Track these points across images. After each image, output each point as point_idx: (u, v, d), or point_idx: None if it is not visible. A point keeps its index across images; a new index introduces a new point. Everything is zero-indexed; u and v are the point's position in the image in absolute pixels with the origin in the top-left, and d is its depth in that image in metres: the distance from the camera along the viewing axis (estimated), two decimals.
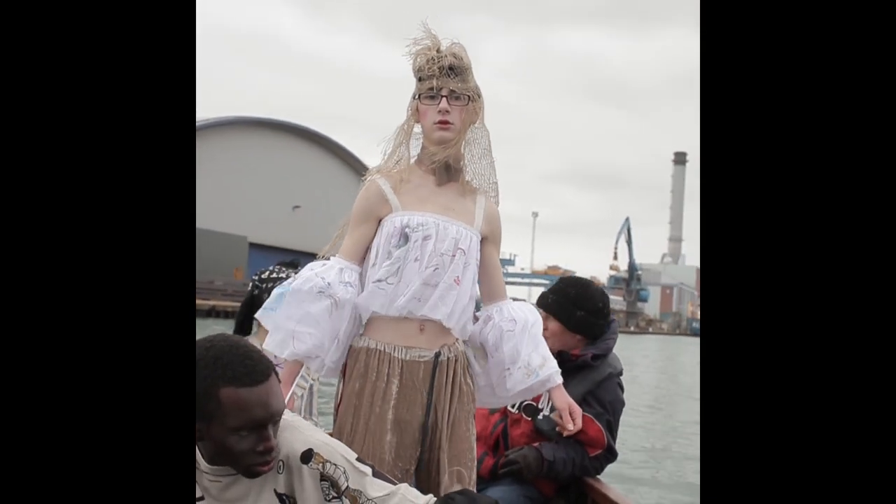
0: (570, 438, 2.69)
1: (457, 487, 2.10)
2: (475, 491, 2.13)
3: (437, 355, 2.15)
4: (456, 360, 2.19)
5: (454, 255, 2.13)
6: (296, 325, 2.11)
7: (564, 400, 2.31)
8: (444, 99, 2.12)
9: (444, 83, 2.13)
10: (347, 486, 1.66)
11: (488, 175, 2.29)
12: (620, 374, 2.95)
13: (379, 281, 2.13)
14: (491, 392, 2.34)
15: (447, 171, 2.20)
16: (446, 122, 2.13)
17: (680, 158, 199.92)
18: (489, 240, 2.28)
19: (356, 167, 61.08)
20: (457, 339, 2.22)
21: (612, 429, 2.86)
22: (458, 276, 2.13)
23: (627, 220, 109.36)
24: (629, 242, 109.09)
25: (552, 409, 2.62)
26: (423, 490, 2.10)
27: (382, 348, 2.14)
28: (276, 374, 1.64)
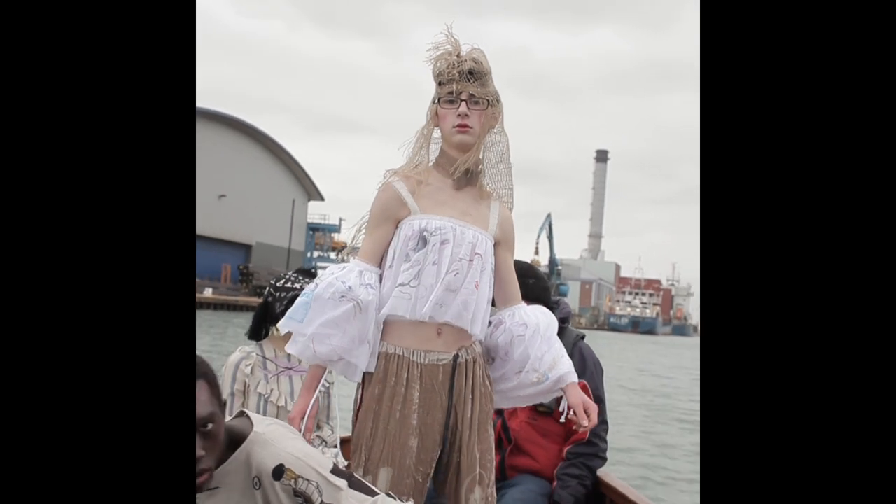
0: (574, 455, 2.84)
1: (477, 490, 2.14)
2: (494, 492, 2.19)
3: (456, 358, 2.16)
4: (474, 362, 2.20)
5: (472, 260, 2.14)
6: (317, 329, 2.11)
7: (578, 396, 2.26)
8: (463, 103, 2.15)
9: (464, 87, 2.15)
10: (322, 502, 1.64)
11: (504, 180, 2.32)
12: (584, 337, 3.09)
13: (402, 285, 2.13)
14: (500, 394, 2.34)
15: (466, 176, 2.21)
16: (465, 126, 2.15)
17: (601, 156, 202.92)
18: (502, 245, 2.29)
19: (281, 156, 60.27)
20: (474, 342, 2.23)
21: (595, 379, 2.95)
22: (477, 281, 2.14)
23: (549, 216, 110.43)
24: (550, 238, 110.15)
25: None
26: (445, 493, 2.15)
27: (401, 353, 2.15)
28: (210, 381, 1.62)
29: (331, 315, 2.10)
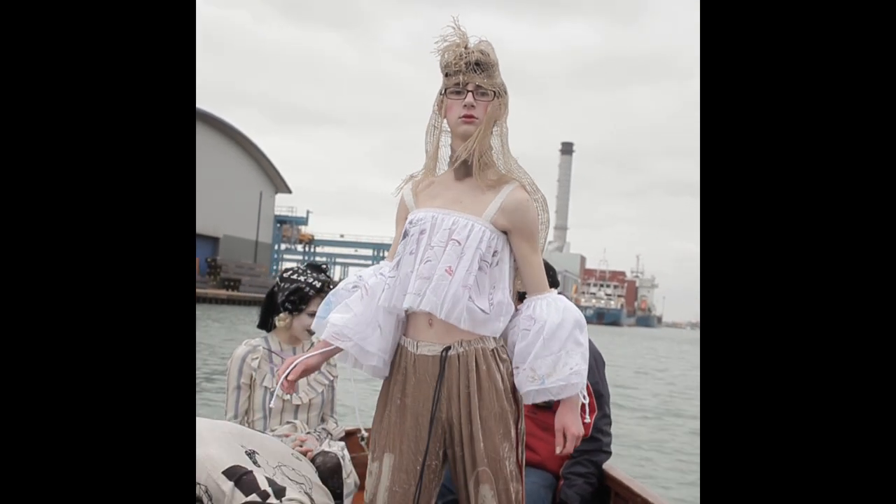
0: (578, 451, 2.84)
1: (484, 487, 2.12)
2: (513, 487, 2.15)
3: (447, 349, 2.16)
4: (474, 357, 2.16)
5: (446, 246, 2.13)
6: (333, 315, 2.24)
7: (562, 421, 2.20)
8: (469, 94, 2.15)
9: (471, 79, 2.15)
10: None
11: (520, 173, 2.28)
12: None
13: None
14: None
15: (464, 166, 2.21)
16: (471, 117, 2.16)
17: (567, 149, 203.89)
18: (513, 232, 2.21)
19: (248, 148, 59.80)
20: (483, 336, 2.18)
21: (595, 373, 2.89)
22: (449, 266, 2.11)
23: None
24: None
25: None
26: (457, 487, 2.16)
27: (402, 342, 2.22)
28: None
29: (345, 302, 2.26)
